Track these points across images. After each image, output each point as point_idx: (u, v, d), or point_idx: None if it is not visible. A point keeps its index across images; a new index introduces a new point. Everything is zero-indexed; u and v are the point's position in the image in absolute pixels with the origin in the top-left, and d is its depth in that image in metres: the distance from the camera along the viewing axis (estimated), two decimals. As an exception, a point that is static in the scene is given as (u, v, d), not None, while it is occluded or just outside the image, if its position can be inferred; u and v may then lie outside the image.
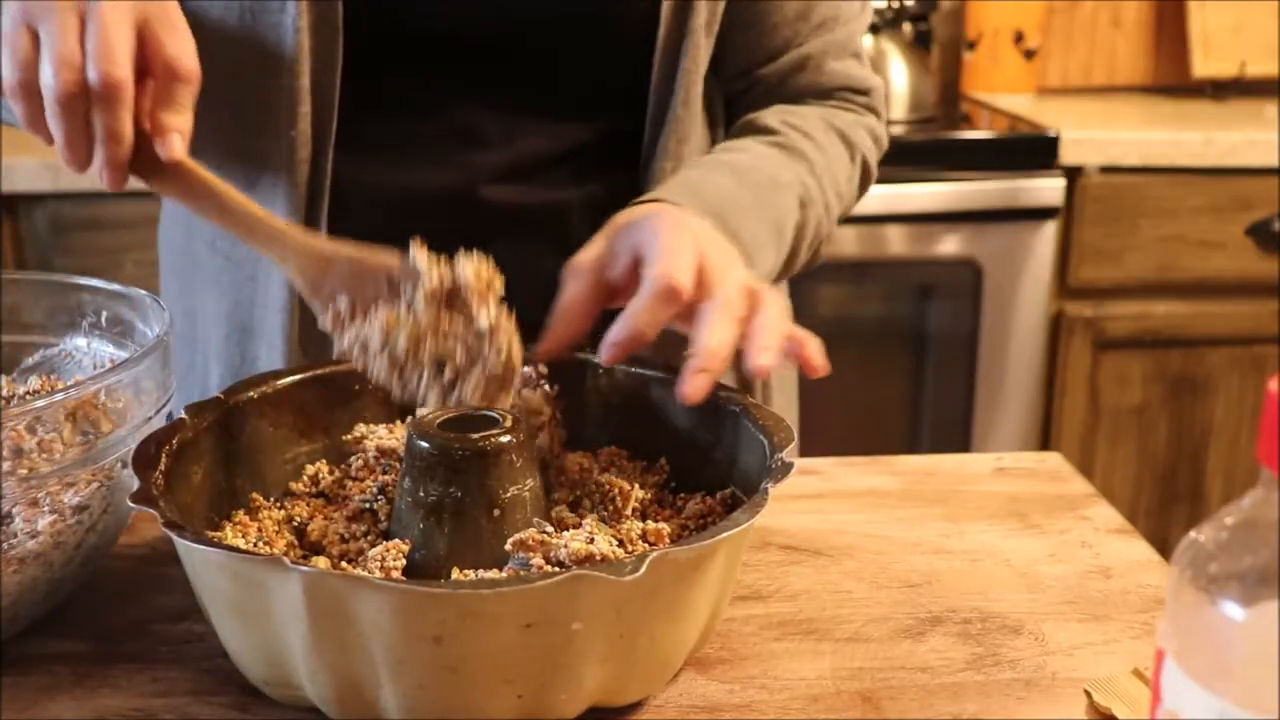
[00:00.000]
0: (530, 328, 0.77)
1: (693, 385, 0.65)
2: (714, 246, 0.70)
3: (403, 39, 0.87)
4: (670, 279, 0.66)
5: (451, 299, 0.67)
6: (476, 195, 0.89)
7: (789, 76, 0.94)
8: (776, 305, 0.68)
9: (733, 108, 0.96)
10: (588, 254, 0.72)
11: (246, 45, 0.85)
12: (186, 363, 0.94)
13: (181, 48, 0.67)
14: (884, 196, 1.89)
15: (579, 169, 0.91)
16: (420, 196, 0.89)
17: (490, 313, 0.67)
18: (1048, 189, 1.92)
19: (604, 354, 0.67)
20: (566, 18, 0.87)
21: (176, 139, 0.66)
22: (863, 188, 0.97)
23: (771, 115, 0.91)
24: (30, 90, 0.64)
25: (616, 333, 0.67)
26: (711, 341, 0.65)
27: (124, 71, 0.63)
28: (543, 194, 0.90)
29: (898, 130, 2.04)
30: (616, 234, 0.72)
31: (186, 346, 0.95)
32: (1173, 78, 2.40)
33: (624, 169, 0.91)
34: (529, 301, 0.77)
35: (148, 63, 0.66)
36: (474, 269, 0.67)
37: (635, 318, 0.66)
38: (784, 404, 1.04)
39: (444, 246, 0.90)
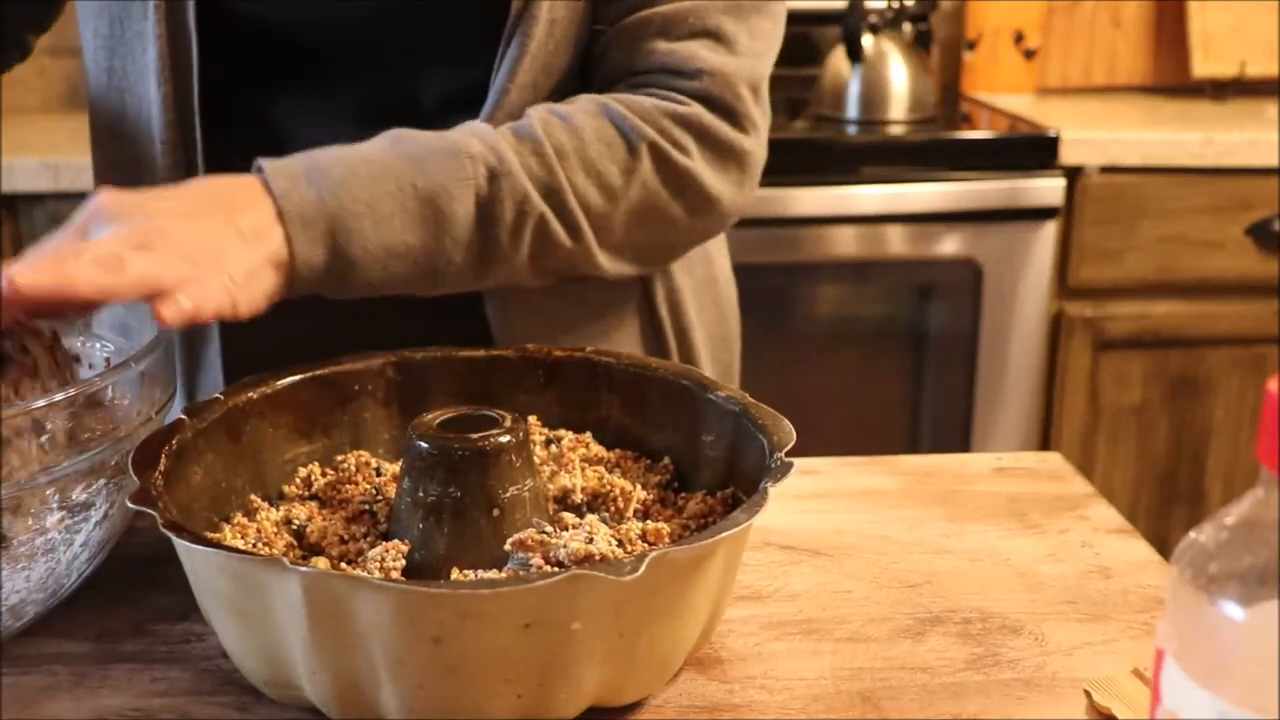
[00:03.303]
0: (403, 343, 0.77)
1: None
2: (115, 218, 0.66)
3: (257, 44, 0.87)
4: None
5: None
6: None
7: (603, 57, 0.84)
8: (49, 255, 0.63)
9: None
10: None
11: (118, 54, 0.86)
12: None
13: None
14: (884, 196, 1.89)
15: None
16: None
17: None
18: (1048, 189, 1.92)
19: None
20: (414, 11, 0.84)
21: None
22: (673, 185, 0.81)
23: (538, 108, 0.82)
24: None
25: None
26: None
27: None
28: None
29: (898, 130, 2.04)
30: None
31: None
32: (1173, 78, 2.40)
33: None
34: (404, 332, 0.77)
35: None
36: None
37: None
38: (724, 358, 1.01)
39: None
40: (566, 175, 0.79)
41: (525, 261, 0.80)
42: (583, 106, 0.81)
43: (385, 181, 0.75)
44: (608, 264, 0.83)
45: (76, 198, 1.76)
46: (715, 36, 0.82)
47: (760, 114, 0.85)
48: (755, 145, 0.85)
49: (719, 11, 0.82)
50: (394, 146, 0.77)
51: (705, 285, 0.98)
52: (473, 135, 0.78)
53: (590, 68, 0.86)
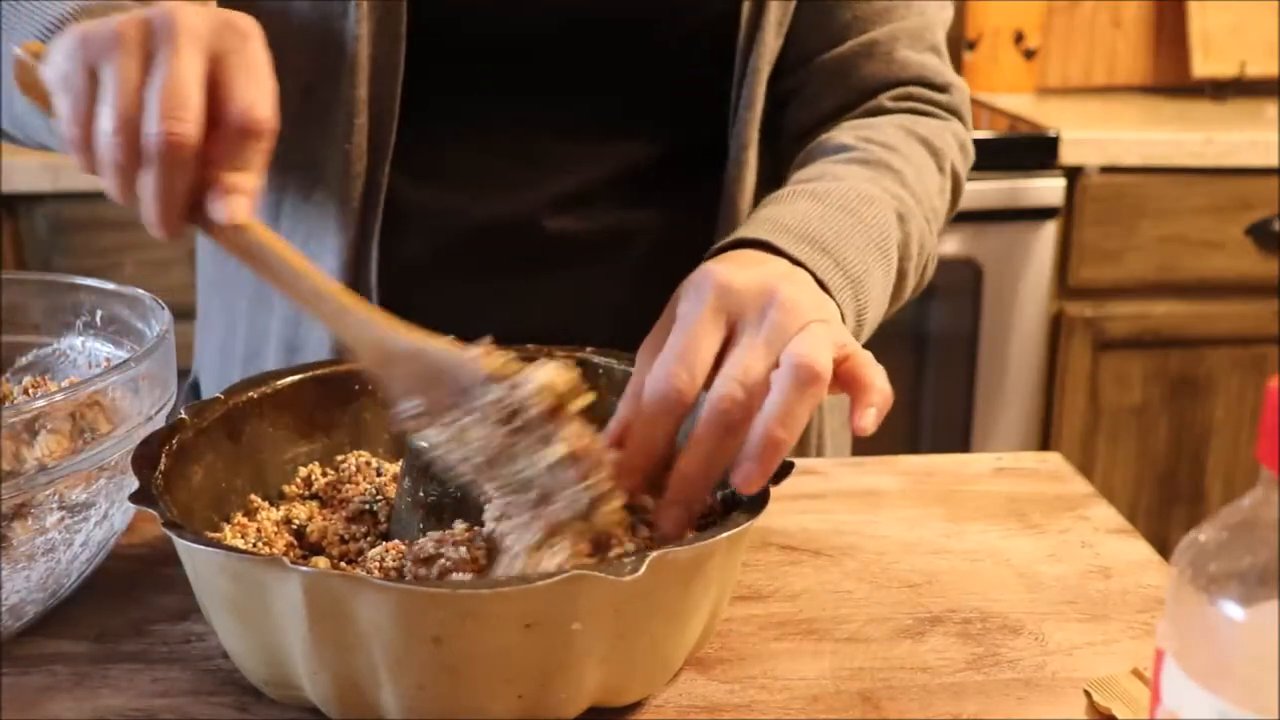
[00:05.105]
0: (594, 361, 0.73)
1: (665, 520, 0.59)
2: (753, 302, 0.61)
3: (468, 51, 0.84)
4: (661, 391, 0.59)
5: (512, 418, 0.56)
6: (537, 222, 0.86)
7: (854, 64, 0.87)
8: (791, 380, 0.58)
9: (789, 108, 0.89)
10: (652, 338, 0.65)
11: (305, 52, 0.82)
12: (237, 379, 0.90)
13: (258, 96, 0.58)
14: (884, 196, 1.89)
15: (641, 191, 0.88)
16: (479, 222, 0.87)
17: (566, 438, 0.56)
18: (1048, 189, 1.92)
19: (664, 524, 0.60)
20: (640, 20, 0.84)
21: (242, 203, 0.58)
22: (954, 202, 0.89)
23: (843, 132, 0.84)
24: (88, 145, 0.57)
25: (672, 495, 0.60)
26: (686, 467, 0.59)
27: (189, 130, 0.55)
28: (605, 219, 0.88)
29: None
30: (675, 306, 0.65)
31: (229, 363, 0.92)
32: (1173, 78, 2.40)
33: (686, 188, 0.88)
34: (593, 332, 0.74)
35: (217, 110, 0.57)
36: (543, 382, 0.56)
37: (688, 467, 0.59)
38: (838, 425, 0.99)
39: (505, 274, 0.88)
40: (926, 206, 0.82)
41: (902, 302, 0.83)
42: (894, 132, 0.84)
43: (856, 239, 0.72)
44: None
45: (76, 198, 1.78)
46: (937, 50, 0.91)
47: None
48: None
49: (938, 26, 0.91)
50: (824, 204, 0.74)
51: None
52: (860, 180, 0.78)
53: (830, 76, 0.88)
